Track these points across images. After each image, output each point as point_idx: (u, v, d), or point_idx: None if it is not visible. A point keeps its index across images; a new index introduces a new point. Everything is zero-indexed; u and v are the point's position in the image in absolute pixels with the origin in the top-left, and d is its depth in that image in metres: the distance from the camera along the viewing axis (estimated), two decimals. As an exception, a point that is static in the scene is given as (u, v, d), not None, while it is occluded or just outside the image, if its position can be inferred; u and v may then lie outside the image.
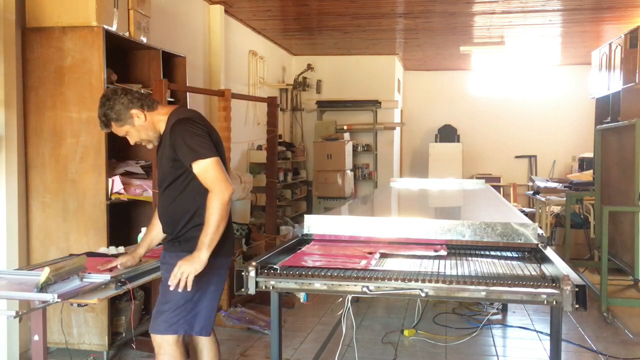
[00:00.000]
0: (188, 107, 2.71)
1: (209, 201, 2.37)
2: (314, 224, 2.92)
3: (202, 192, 2.41)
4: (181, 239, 2.50)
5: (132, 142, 2.59)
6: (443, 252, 2.62)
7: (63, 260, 2.67)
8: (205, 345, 2.72)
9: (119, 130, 2.54)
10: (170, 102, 4.47)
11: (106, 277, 2.57)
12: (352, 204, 4.81)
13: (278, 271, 2.32)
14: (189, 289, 2.36)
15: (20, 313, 2.29)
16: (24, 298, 2.38)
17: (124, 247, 3.26)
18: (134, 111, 2.47)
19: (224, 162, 2.52)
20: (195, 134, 2.40)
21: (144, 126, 2.51)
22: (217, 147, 2.47)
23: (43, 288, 2.32)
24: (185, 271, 2.34)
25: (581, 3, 6.28)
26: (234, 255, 5.06)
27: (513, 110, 11.12)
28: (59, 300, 2.31)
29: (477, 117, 11.23)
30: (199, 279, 2.42)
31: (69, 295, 2.36)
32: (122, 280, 2.57)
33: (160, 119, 2.52)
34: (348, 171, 9.10)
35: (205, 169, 2.38)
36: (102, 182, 3.65)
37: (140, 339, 3.94)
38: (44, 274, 2.34)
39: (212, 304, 2.54)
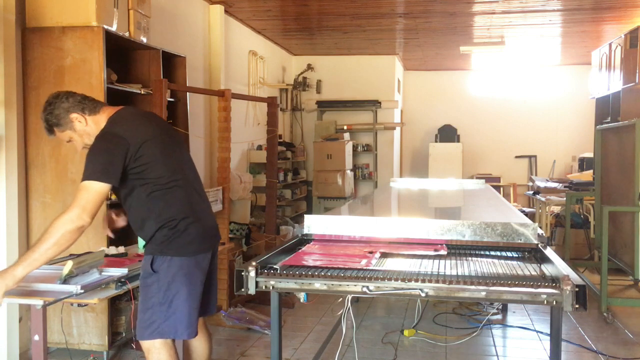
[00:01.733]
0: (126, 106, 2.63)
1: (56, 219, 2.27)
2: (314, 224, 2.92)
3: (150, 200, 2.42)
4: (149, 242, 2.50)
5: (78, 149, 2.54)
6: (443, 252, 2.62)
7: (83, 255, 2.74)
8: (192, 344, 2.73)
9: (62, 135, 2.49)
10: (170, 102, 4.48)
11: (124, 270, 2.65)
12: (352, 204, 4.81)
13: (278, 271, 2.32)
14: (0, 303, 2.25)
15: (45, 303, 2.32)
16: (48, 290, 2.43)
17: (124, 247, 3.26)
18: (73, 115, 2.43)
19: (173, 157, 2.49)
20: (97, 152, 2.34)
21: (86, 131, 2.46)
22: (148, 147, 2.39)
23: (66, 280, 2.41)
24: None
25: (581, 3, 6.28)
26: (234, 255, 5.06)
27: (513, 110, 11.12)
28: (82, 291, 2.38)
29: (477, 117, 11.23)
30: (165, 281, 2.42)
31: (91, 286, 2.45)
32: (122, 280, 2.57)
33: (102, 122, 2.46)
34: (348, 171, 9.10)
35: (81, 187, 2.30)
36: (102, 182, 3.64)
37: (140, 339, 3.94)
38: (67, 267, 2.43)
39: (189, 305, 2.46)
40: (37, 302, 2.32)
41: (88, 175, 2.30)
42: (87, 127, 2.45)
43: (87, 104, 2.46)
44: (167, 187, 2.44)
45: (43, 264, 2.31)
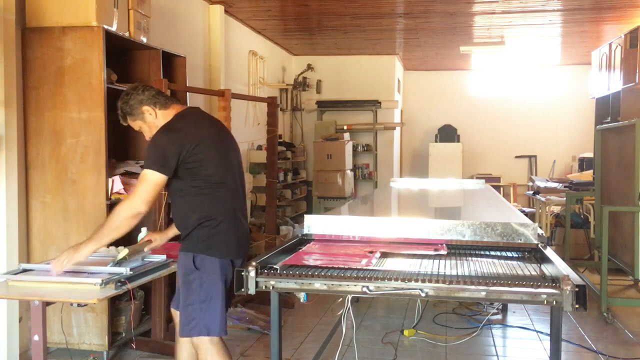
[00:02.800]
0: (194, 106, 2.83)
1: (117, 206, 2.51)
2: (314, 224, 2.92)
3: (197, 196, 2.54)
4: (185, 239, 2.61)
5: (147, 137, 2.70)
6: (443, 252, 2.62)
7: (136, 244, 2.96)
8: (184, 348, 2.75)
9: (134, 124, 2.67)
10: (175, 99, 4.47)
11: (162, 257, 2.84)
12: (352, 204, 4.81)
13: (278, 271, 2.32)
14: (61, 269, 2.51)
15: (107, 279, 2.49)
16: (102, 271, 2.60)
17: (124, 247, 3.25)
18: (145, 107, 2.60)
19: (225, 160, 2.62)
20: (156, 144, 2.50)
21: (155, 123, 2.62)
22: (204, 147, 2.53)
23: (118, 264, 2.65)
24: (66, 255, 2.51)
25: (581, 3, 6.28)
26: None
27: (513, 110, 11.12)
28: (132, 273, 2.57)
29: (477, 117, 11.23)
30: (205, 279, 2.52)
31: (138, 270, 2.65)
32: (122, 280, 2.57)
33: (170, 116, 2.63)
34: (348, 171, 9.10)
35: (140, 176, 2.49)
36: (102, 182, 3.65)
37: (140, 339, 3.94)
38: (122, 253, 2.70)
39: (222, 305, 2.58)
40: (96, 280, 2.46)
41: (148, 165, 2.47)
42: (156, 120, 2.62)
43: (160, 99, 2.64)
44: (215, 187, 2.56)
45: (106, 244, 2.58)
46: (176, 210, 2.64)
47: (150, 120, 2.62)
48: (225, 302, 2.60)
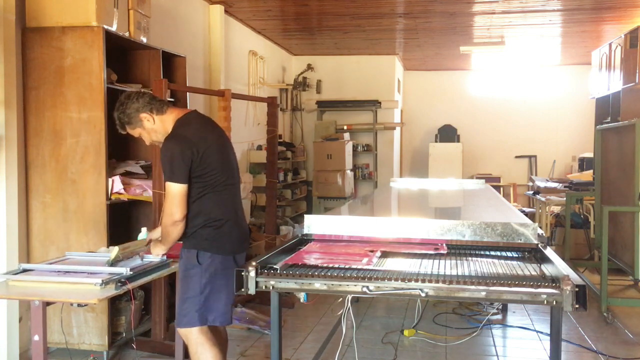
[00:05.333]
0: (192, 109, 2.88)
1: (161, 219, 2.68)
2: (314, 224, 2.92)
3: (202, 199, 2.64)
4: (189, 237, 2.69)
5: (147, 142, 2.80)
6: (443, 252, 2.62)
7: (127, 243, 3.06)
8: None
9: (133, 132, 2.75)
10: (170, 102, 4.48)
11: (163, 257, 2.88)
12: (352, 204, 4.80)
13: (278, 271, 2.32)
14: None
15: (107, 279, 2.52)
16: (99, 271, 2.63)
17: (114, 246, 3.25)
18: (143, 115, 2.66)
19: (227, 164, 2.73)
20: (170, 155, 2.57)
21: (154, 129, 2.70)
22: (210, 154, 2.63)
23: (113, 264, 2.69)
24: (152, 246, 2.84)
25: (581, 3, 6.28)
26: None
27: (513, 110, 11.12)
28: (132, 273, 2.60)
29: (477, 117, 11.23)
30: (206, 274, 2.65)
31: (138, 269, 2.68)
32: (122, 280, 2.57)
33: (168, 122, 2.70)
34: (348, 171, 9.10)
35: (166, 190, 2.62)
36: (102, 182, 3.65)
37: (140, 339, 3.94)
38: (113, 253, 2.74)
39: (225, 297, 2.69)
40: (97, 281, 2.48)
41: (168, 177, 2.59)
42: (154, 125, 2.69)
43: (155, 104, 2.69)
44: (219, 190, 2.68)
45: (169, 247, 2.77)
46: None
47: (149, 126, 2.68)
48: (230, 293, 2.70)
